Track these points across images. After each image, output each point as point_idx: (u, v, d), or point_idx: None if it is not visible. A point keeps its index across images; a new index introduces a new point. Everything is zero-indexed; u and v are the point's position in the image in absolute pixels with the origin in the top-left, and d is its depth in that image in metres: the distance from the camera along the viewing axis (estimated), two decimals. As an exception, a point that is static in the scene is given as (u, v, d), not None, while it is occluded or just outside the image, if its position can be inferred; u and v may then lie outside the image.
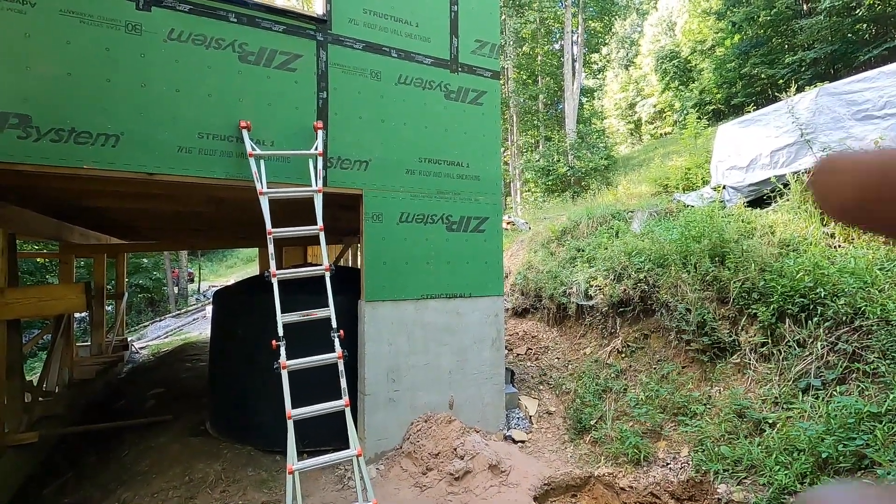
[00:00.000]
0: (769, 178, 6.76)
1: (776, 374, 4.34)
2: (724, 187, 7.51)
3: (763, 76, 19.65)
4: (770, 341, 4.57)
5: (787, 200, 6.17)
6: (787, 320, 4.52)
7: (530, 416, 5.56)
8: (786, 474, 3.48)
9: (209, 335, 6.50)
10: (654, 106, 31.19)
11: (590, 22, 23.04)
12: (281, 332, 3.66)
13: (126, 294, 11.05)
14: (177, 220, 7.06)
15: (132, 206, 5.64)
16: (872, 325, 3.91)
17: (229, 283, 11.45)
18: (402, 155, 4.86)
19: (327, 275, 4.00)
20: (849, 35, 16.80)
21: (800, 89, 7.56)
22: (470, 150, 5.26)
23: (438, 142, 5.07)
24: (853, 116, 6.15)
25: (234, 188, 4.17)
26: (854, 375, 3.86)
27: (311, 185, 4.20)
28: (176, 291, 24.57)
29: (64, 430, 5.65)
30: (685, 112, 22.40)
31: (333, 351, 3.78)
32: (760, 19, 20.34)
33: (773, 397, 4.19)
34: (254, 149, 4.03)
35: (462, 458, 4.32)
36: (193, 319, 18.94)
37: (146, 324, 19.31)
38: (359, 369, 4.68)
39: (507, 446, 4.88)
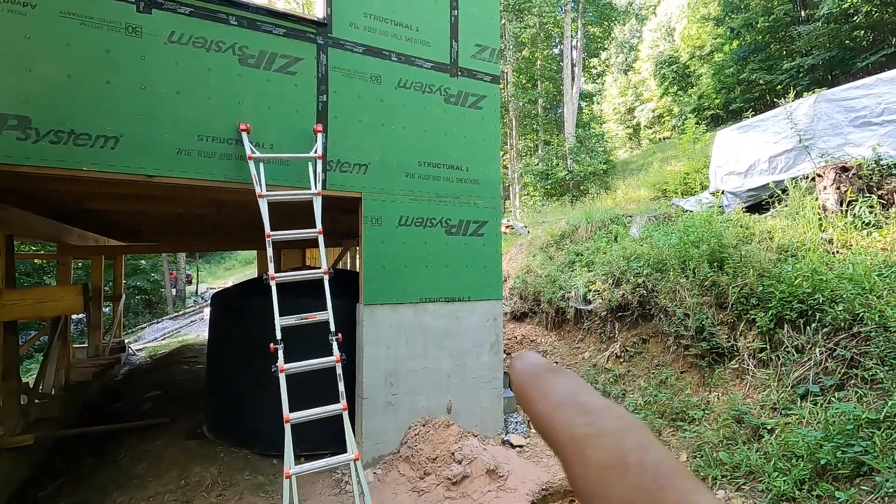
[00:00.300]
0: (768, 184, 6.78)
1: (774, 380, 4.34)
2: (722, 192, 7.53)
3: (761, 82, 19.74)
4: (769, 347, 4.57)
5: (786, 206, 6.18)
6: (786, 326, 4.52)
7: (528, 421, 5.55)
8: (784, 481, 3.47)
9: (207, 337, 6.49)
10: (653, 111, 31.30)
11: (589, 27, 23.14)
12: (279, 335, 3.65)
13: (124, 296, 11.02)
14: (178, 222, 7.06)
15: (133, 209, 5.63)
16: (871, 332, 3.91)
17: (227, 286, 11.43)
18: (401, 158, 4.86)
19: (326, 278, 3.99)
20: (846, 42, 16.91)
21: (798, 95, 7.60)
22: (469, 153, 5.26)
23: (438, 145, 5.07)
24: (851, 123, 6.19)
25: (233, 191, 4.17)
26: (852, 382, 3.87)
27: (310, 189, 4.19)
28: (174, 293, 24.51)
29: (60, 433, 5.62)
30: (684, 117, 22.46)
31: (331, 354, 3.77)
32: (759, 25, 20.45)
33: (771, 403, 4.19)
34: (253, 151, 4.03)
35: (460, 463, 4.31)
36: (191, 322, 18.89)
37: (143, 326, 19.25)
38: (357, 373, 4.67)
39: (506, 451, 4.86)
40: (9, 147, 3.31)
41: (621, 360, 5.91)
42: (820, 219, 5.53)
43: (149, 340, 15.38)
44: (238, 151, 4.06)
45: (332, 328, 3.83)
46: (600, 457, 0.25)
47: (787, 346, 4.41)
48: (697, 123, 14.12)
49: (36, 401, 5.70)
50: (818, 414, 3.78)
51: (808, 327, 4.35)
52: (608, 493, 0.24)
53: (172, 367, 9.41)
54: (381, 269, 4.73)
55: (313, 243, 4.19)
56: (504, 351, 6.32)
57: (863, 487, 3.12)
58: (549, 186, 18.41)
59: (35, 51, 3.40)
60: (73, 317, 8.70)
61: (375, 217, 4.72)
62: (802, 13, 19.14)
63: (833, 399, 3.83)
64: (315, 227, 4.05)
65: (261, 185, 3.97)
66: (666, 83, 28.25)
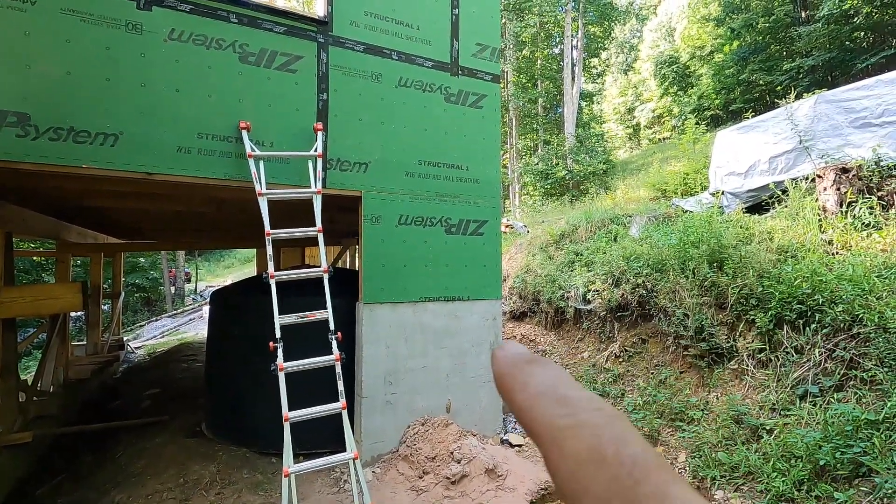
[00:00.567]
0: (768, 185, 6.78)
1: (774, 381, 4.35)
2: (722, 193, 7.54)
3: (761, 82, 19.75)
4: (768, 347, 4.57)
5: (786, 207, 6.18)
6: (785, 327, 4.52)
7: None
8: (783, 481, 3.47)
9: (206, 336, 6.48)
10: (653, 111, 31.29)
11: (589, 27, 23.14)
12: (279, 333, 3.64)
13: (123, 293, 11.01)
14: (177, 220, 7.05)
15: (133, 206, 5.62)
16: (870, 333, 3.91)
17: (227, 284, 11.42)
18: (401, 157, 4.86)
19: (325, 277, 3.98)
20: (847, 43, 16.91)
21: (798, 96, 7.60)
22: (469, 153, 5.26)
23: (438, 144, 5.07)
24: (851, 124, 6.19)
25: (233, 189, 4.16)
26: (852, 383, 3.87)
27: (310, 187, 4.19)
28: (173, 291, 24.49)
29: (59, 431, 5.61)
30: (684, 117, 22.47)
31: (331, 353, 3.77)
32: (759, 26, 20.46)
33: (770, 404, 4.20)
34: (253, 149, 4.02)
35: (459, 462, 4.31)
36: (190, 320, 18.86)
37: (142, 323, 19.23)
38: (356, 372, 4.67)
39: (504, 450, 4.86)
40: (8, 144, 3.30)
41: (620, 359, 5.92)
42: (820, 220, 5.53)
43: (148, 338, 15.36)
44: (238, 149, 4.05)
45: (332, 327, 3.83)
46: (578, 449, 0.25)
47: (787, 347, 4.41)
48: (697, 124, 14.12)
49: (34, 398, 5.69)
50: (817, 415, 3.79)
51: (807, 328, 4.35)
52: (586, 485, 0.24)
53: (171, 365, 9.41)
54: (381, 267, 4.72)
55: (313, 242, 4.18)
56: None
57: (861, 488, 3.12)
58: (548, 186, 18.41)
59: (35, 48, 3.39)
60: (72, 314, 8.68)
61: (375, 216, 4.72)
62: (803, 14, 19.14)
63: (832, 400, 3.83)
64: (315, 225, 4.05)
65: (261, 183, 3.96)
66: (666, 83, 28.25)
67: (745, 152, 7.51)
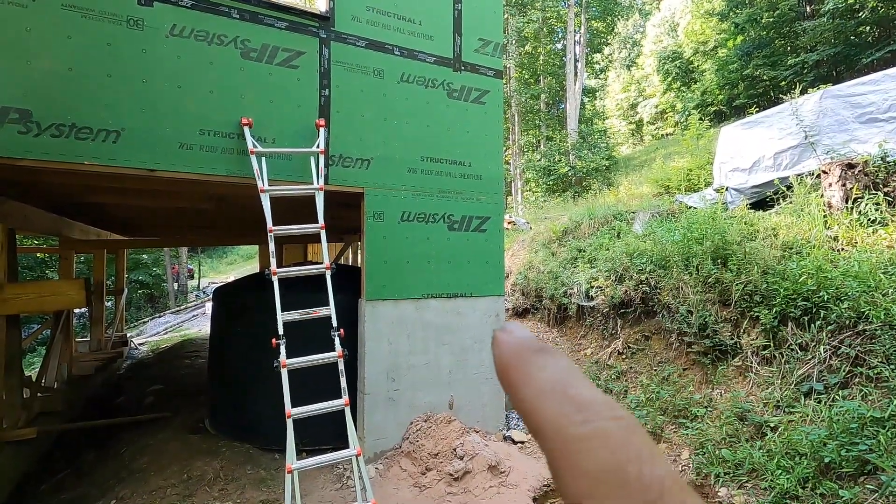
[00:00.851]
0: (772, 181, 6.74)
1: (778, 378, 4.33)
2: (726, 189, 7.49)
3: (765, 78, 19.63)
4: (772, 344, 4.55)
5: (790, 203, 6.14)
6: (790, 323, 4.50)
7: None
8: (788, 479, 3.46)
9: (209, 332, 6.49)
10: (656, 106, 31.15)
11: (592, 22, 23.01)
12: (281, 330, 3.64)
13: (126, 290, 11.03)
14: (179, 216, 7.05)
15: (134, 203, 5.62)
16: (876, 330, 3.89)
17: (229, 280, 11.42)
18: (404, 153, 4.83)
19: (328, 273, 3.97)
20: (852, 37, 16.78)
21: (803, 91, 7.54)
22: (472, 149, 5.23)
23: (441, 141, 5.04)
24: (857, 119, 6.14)
25: (235, 185, 4.15)
26: (857, 380, 3.85)
27: (312, 183, 4.17)
28: (176, 288, 24.55)
29: (62, 427, 5.63)
30: (687, 113, 22.37)
31: (333, 350, 3.76)
32: (763, 21, 20.31)
33: (774, 401, 4.18)
34: (255, 146, 4.00)
35: (461, 459, 4.31)
36: (193, 316, 18.92)
37: (145, 320, 19.30)
38: (358, 368, 4.66)
39: (507, 447, 4.86)
40: (10, 140, 3.29)
41: (623, 356, 5.90)
42: (825, 216, 5.49)
43: (151, 335, 15.42)
44: (240, 146, 4.04)
45: (335, 324, 3.82)
46: (596, 466, 0.22)
47: (791, 344, 4.39)
48: (701, 119, 14.02)
49: (38, 394, 5.71)
50: (822, 412, 3.77)
51: (812, 325, 4.32)
52: None
53: (174, 362, 9.43)
54: (384, 264, 4.71)
55: (315, 238, 4.17)
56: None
57: (867, 486, 3.11)
58: (551, 182, 18.35)
59: (36, 44, 3.37)
60: (76, 311, 8.70)
61: (378, 212, 4.70)
62: (807, 9, 19.00)
63: (837, 397, 3.81)
64: (317, 222, 4.03)
65: (263, 179, 3.95)
66: (669, 79, 28.11)
67: (750, 148, 7.46)
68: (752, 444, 3.95)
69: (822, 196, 5.72)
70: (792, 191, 6.25)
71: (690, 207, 7.62)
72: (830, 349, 4.11)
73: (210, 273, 34.35)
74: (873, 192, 5.25)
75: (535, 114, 24.52)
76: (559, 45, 24.80)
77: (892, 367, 3.64)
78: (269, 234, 3.86)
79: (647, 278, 5.91)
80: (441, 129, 5.05)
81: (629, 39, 36.85)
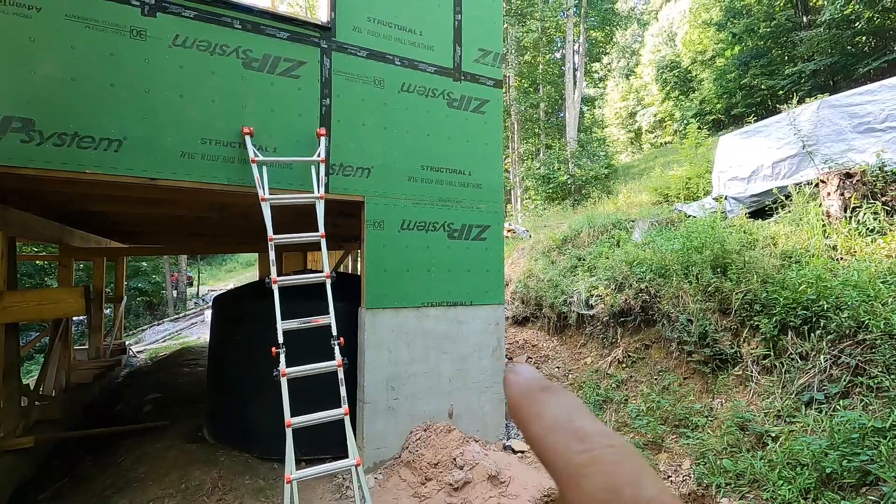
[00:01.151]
0: (771, 190, 6.77)
1: (778, 387, 4.32)
2: (725, 198, 7.52)
3: (763, 87, 19.76)
4: (772, 354, 4.54)
5: (789, 212, 6.16)
6: (790, 332, 4.50)
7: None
8: (789, 489, 3.44)
9: (208, 340, 6.47)
10: (655, 115, 31.30)
11: (591, 31, 23.20)
12: (281, 339, 3.63)
13: (125, 298, 11.01)
14: (180, 224, 7.06)
15: (135, 211, 5.63)
16: (876, 339, 3.89)
17: (228, 288, 11.40)
18: (404, 162, 4.86)
19: (328, 282, 3.98)
20: (848, 47, 16.92)
21: (800, 101, 7.59)
22: (472, 158, 5.26)
23: (441, 150, 5.07)
24: (854, 129, 6.18)
25: (236, 194, 4.16)
26: (857, 390, 3.84)
27: (313, 192, 4.19)
28: (175, 295, 24.52)
29: (60, 436, 5.60)
30: (685, 122, 22.47)
31: (333, 358, 3.75)
32: (760, 31, 20.49)
33: (775, 410, 4.17)
34: (256, 155, 4.02)
35: (461, 469, 4.28)
36: (192, 324, 18.87)
37: (144, 327, 19.24)
38: (358, 377, 4.65)
39: (507, 456, 4.84)
40: (12, 149, 3.31)
41: (623, 365, 5.89)
42: (824, 225, 5.51)
43: (149, 342, 15.37)
44: (241, 154, 4.05)
45: (334, 332, 3.82)
46: (595, 488, 0.25)
47: (792, 353, 4.39)
48: (699, 128, 14.09)
49: (36, 402, 5.68)
50: (823, 422, 3.76)
51: (812, 334, 4.32)
52: None
53: (173, 370, 9.40)
54: (384, 272, 4.71)
55: (315, 246, 4.18)
56: (506, 356, 6.30)
57: (869, 497, 3.09)
58: (550, 190, 18.39)
59: (40, 53, 3.40)
60: (75, 318, 8.68)
61: (378, 221, 4.72)
62: (804, 19, 19.18)
63: (838, 407, 3.80)
64: (317, 230, 4.04)
65: (263, 188, 3.96)
66: (668, 88, 28.28)
67: (748, 157, 7.50)
68: (753, 454, 3.93)
69: (820, 205, 5.74)
70: (790, 200, 6.27)
71: (690, 216, 7.64)
72: (831, 358, 4.11)
73: (209, 280, 34.31)
74: (872, 201, 5.27)
75: (534, 122, 24.65)
76: (558, 55, 24.99)
77: (893, 376, 3.64)
78: (269, 243, 3.87)
79: (646, 287, 5.91)
80: (441, 139, 5.08)
81: (628, 49, 37.10)
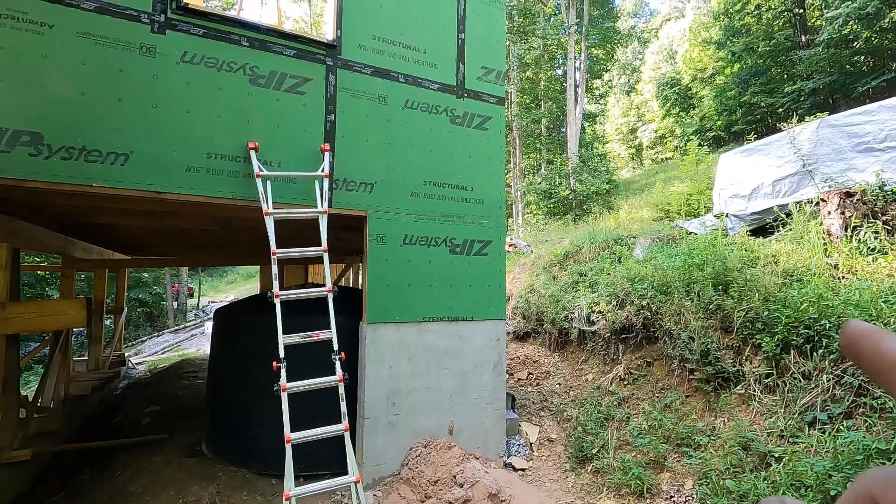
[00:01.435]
0: (772, 208, 6.79)
1: (781, 407, 4.29)
2: (726, 215, 7.54)
3: (763, 105, 19.94)
4: (775, 372, 4.52)
5: (790, 230, 6.18)
6: (792, 351, 4.48)
7: (531, 443, 5.47)
8: (793, 511, 3.39)
9: (207, 352, 6.46)
10: (656, 131, 31.57)
11: (592, 49, 23.51)
12: (282, 353, 3.63)
13: (125, 309, 11.01)
14: (183, 237, 7.09)
15: (140, 224, 5.66)
16: (878, 359, 3.86)
17: (229, 299, 11.40)
18: (407, 178, 4.90)
19: (330, 296, 3.99)
20: (847, 66, 17.11)
21: (800, 119, 7.66)
22: (474, 174, 5.30)
23: (443, 165, 5.11)
24: (854, 148, 6.22)
25: (240, 208, 4.19)
26: (861, 410, 3.81)
27: (316, 206, 4.22)
28: (175, 306, 24.49)
29: (58, 448, 5.56)
30: (686, 138, 22.65)
31: (333, 373, 3.75)
32: (760, 49, 20.75)
33: (778, 430, 4.13)
34: (261, 169, 4.07)
35: (461, 486, 4.24)
36: (192, 335, 18.82)
37: (144, 339, 19.18)
38: (358, 392, 4.63)
39: (508, 474, 4.79)
40: (21, 163, 3.35)
41: (625, 382, 5.85)
42: (824, 244, 5.52)
43: (149, 354, 15.31)
44: (246, 169, 4.10)
45: (336, 347, 3.82)
46: None
47: (794, 372, 4.36)
48: (700, 145, 14.20)
49: (35, 414, 5.65)
50: (826, 442, 3.72)
51: (814, 353, 4.30)
52: None
53: (172, 382, 9.35)
54: (385, 287, 4.72)
55: (318, 260, 4.20)
56: (507, 371, 6.27)
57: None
58: (552, 205, 18.46)
59: (50, 69, 3.46)
60: (75, 329, 8.67)
61: (380, 235, 4.74)
62: (803, 38, 19.42)
63: (841, 427, 3.77)
64: (320, 244, 4.07)
65: (267, 202, 4.00)
66: (668, 104, 28.55)
67: (749, 175, 7.54)
68: (756, 475, 3.89)
69: (821, 224, 5.76)
70: (791, 218, 6.29)
71: (691, 233, 7.66)
72: (833, 378, 4.09)
73: (210, 292, 34.30)
74: (872, 220, 5.29)
75: (536, 137, 24.86)
76: (560, 71, 25.28)
77: (896, 397, 3.61)
78: (272, 257, 3.89)
79: (648, 304, 5.90)
80: (444, 155, 5.12)
81: (628, 66, 37.55)
